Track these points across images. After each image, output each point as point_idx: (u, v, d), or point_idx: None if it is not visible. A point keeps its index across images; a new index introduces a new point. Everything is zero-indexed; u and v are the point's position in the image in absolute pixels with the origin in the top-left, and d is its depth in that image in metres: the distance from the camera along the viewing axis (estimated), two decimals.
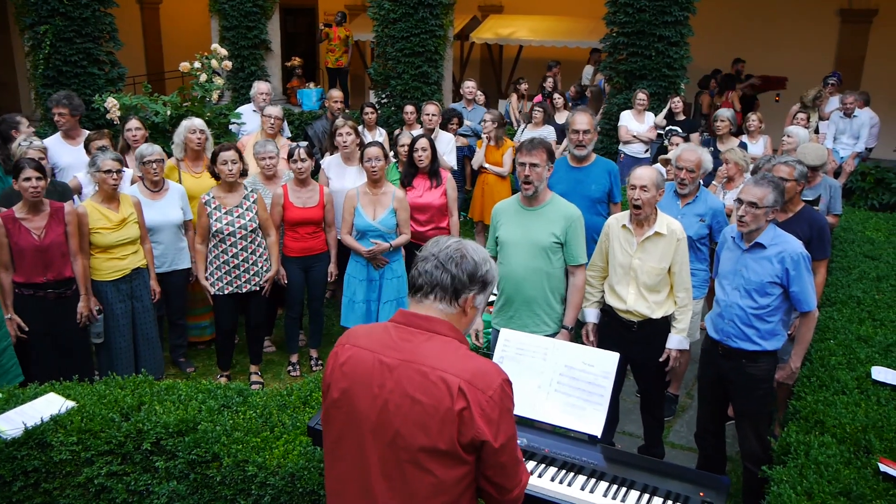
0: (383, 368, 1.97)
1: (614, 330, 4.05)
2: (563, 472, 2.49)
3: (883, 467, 2.98)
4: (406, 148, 5.92)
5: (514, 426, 2.00)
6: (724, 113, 7.10)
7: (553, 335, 3.96)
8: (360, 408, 2.00)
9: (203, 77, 6.45)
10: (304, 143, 5.46)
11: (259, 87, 7.11)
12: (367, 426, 1.99)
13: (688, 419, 4.97)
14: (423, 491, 1.94)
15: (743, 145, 7.04)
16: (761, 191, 3.55)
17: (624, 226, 3.97)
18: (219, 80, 6.63)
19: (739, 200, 3.60)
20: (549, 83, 10.98)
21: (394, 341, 2.00)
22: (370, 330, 2.10)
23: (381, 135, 7.54)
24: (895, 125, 9.01)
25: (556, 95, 9.61)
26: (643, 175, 3.84)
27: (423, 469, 1.92)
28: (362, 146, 5.55)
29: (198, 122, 5.74)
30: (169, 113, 6.21)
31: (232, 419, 3.45)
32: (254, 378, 5.46)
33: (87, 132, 6.06)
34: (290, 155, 5.39)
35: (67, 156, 5.95)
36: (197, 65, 6.48)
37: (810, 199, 5.30)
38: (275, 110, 6.20)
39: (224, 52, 6.60)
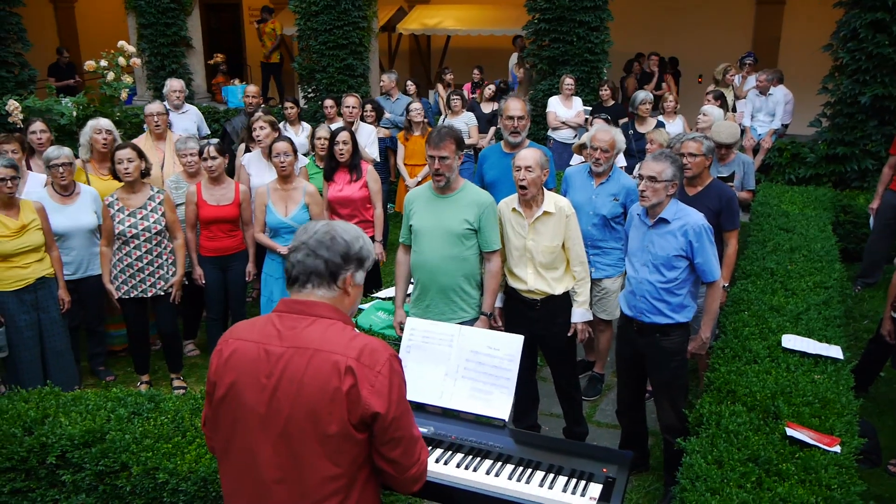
0: (269, 358, 1.96)
1: (519, 310, 4.11)
2: (470, 457, 2.48)
3: (790, 431, 3.06)
4: (322, 141, 5.83)
5: (407, 401, 2.00)
6: (641, 95, 7.21)
7: (472, 321, 3.97)
8: (249, 401, 1.98)
9: (110, 75, 6.20)
10: (215, 141, 5.33)
11: (172, 84, 6.88)
12: (257, 418, 1.97)
13: (613, 397, 5.02)
14: (318, 477, 1.93)
15: (661, 124, 7.16)
16: (660, 165, 3.61)
17: (514, 209, 4.01)
18: (127, 79, 6.40)
19: (640, 176, 3.66)
20: (476, 74, 11.01)
21: (278, 330, 1.99)
22: (253, 323, 2.08)
23: (305, 130, 7.40)
24: (810, 102, 9.27)
25: (490, 87, 9.57)
26: (527, 156, 3.87)
27: (316, 454, 1.92)
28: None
29: (104, 122, 5.55)
30: (75, 114, 5.96)
31: (142, 426, 3.35)
32: (176, 384, 5.32)
33: None
34: (201, 153, 5.25)
35: None
36: (103, 63, 6.24)
37: (725, 175, 5.42)
38: (155, 107, 6.02)
39: (131, 48, 6.37)
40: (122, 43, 6.33)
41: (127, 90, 6.44)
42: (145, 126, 6.88)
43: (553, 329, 4.09)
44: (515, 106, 4.77)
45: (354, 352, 1.92)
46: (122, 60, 6.33)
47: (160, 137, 6.08)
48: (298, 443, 1.92)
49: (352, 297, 2.07)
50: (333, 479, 1.93)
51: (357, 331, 2.05)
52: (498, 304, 4.16)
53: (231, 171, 6.20)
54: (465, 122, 8.18)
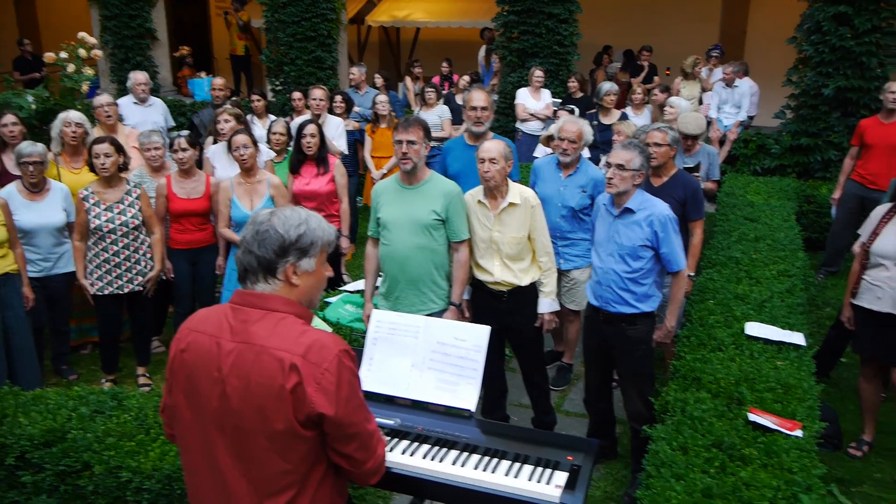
0: (221, 352, 1.94)
1: (486, 302, 4.11)
2: (436, 448, 2.47)
3: (752, 417, 3.11)
4: (278, 136, 5.77)
5: (360, 396, 1.98)
6: (606, 86, 7.25)
7: (441, 312, 3.97)
8: (203, 394, 1.97)
9: (71, 68, 6.08)
10: (185, 133, 5.26)
11: (136, 77, 6.77)
12: (211, 412, 1.96)
13: (582, 387, 5.03)
14: (270, 472, 1.93)
15: (624, 116, 7.20)
16: (628, 154, 3.64)
17: (479, 201, 4.01)
18: (89, 71, 6.27)
19: (608, 164, 3.68)
20: (445, 66, 10.99)
21: (230, 323, 1.97)
22: (209, 313, 2.05)
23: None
24: (775, 94, 9.40)
25: (465, 78, 9.54)
26: (491, 148, 3.88)
27: (265, 450, 1.91)
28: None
29: (73, 115, 5.45)
30: (35, 107, 5.83)
31: (105, 425, 3.29)
32: (142, 380, 5.25)
33: None
34: (171, 144, 5.18)
35: None
36: (63, 55, 6.11)
37: (691, 165, 5.47)
38: (104, 98, 5.96)
39: (92, 40, 6.24)
40: (82, 34, 6.20)
41: (88, 83, 6.31)
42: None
43: (520, 320, 4.10)
44: (479, 97, 4.77)
45: (301, 348, 1.88)
46: (82, 52, 6.20)
47: (111, 130, 5.97)
48: (249, 438, 1.91)
49: (302, 287, 2.01)
50: (284, 474, 1.93)
51: (313, 324, 2.03)
52: (465, 296, 4.16)
53: (199, 164, 6.13)
54: (438, 115, 8.18)
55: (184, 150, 5.09)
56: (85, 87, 6.34)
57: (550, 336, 5.44)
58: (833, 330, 5.02)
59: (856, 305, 4.27)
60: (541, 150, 6.54)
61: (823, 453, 4.23)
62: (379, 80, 9.37)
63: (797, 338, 3.82)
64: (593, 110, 7.51)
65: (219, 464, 1.97)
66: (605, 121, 7.08)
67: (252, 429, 1.90)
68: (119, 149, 4.86)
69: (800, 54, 8.48)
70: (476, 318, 4.08)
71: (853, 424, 4.60)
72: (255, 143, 5.12)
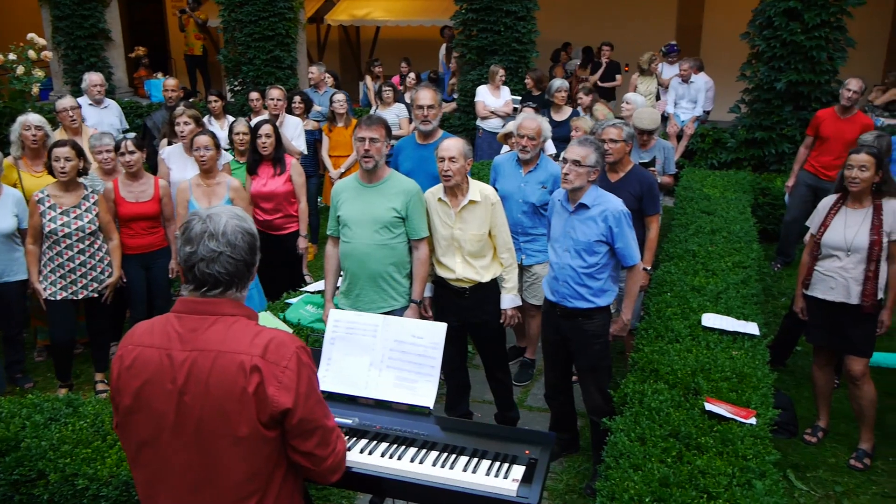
0: (173, 364, 1.89)
1: (449, 299, 4.13)
2: (395, 446, 2.48)
3: (708, 406, 3.16)
4: (241, 136, 5.72)
5: (318, 392, 1.98)
6: (556, 83, 7.31)
7: (402, 310, 3.97)
8: (158, 408, 1.91)
9: (20, 69, 5.94)
10: (132, 135, 5.17)
11: (91, 78, 6.64)
12: (168, 426, 1.91)
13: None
14: (234, 478, 1.90)
15: (576, 113, 7.27)
16: (584, 150, 3.67)
17: (440, 199, 4.02)
18: (39, 73, 6.13)
19: (564, 159, 3.71)
20: (404, 66, 10.97)
21: (178, 333, 1.92)
22: (151, 326, 1.99)
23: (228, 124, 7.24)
24: (731, 88, 9.57)
25: (410, 76, 9.59)
26: (450, 146, 3.88)
27: (230, 457, 1.88)
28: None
29: (33, 118, 5.33)
30: None
31: (60, 432, 3.23)
32: (100, 386, 5.15)
33: None
34: (118, 147, 5.10)
35: None
36: (12, 56, 5.96)
37: (646, 160, 5.55)
38: (68, 101, 5.88)
39: (42, 41, 6.10)
40: (31, 35, 6.05)
41: (38, 85, 6.16)
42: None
43: (483, 316, 4.13)
44: (425, 95, 4.78)
45: (259, 349, 1.87)
46: (32, 54, 6.06)
47: (76, 133, 5.86)
48: (211, 445, 1.89)
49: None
50: (249, 479, 1.91)
51: (273, 325, 2.02)
52: (427, 293, 4.17)
53: (153, 167, 6.04)
54: (395, 113, 8.17)
55: (131, 152, 4.99)
56: (35, 90, 6.20)
57: (513, 332, 5.48)
58: (787, 319, 5.13)
59: (808, 296, 4.36)
60: (507, 149, 6.57)
61: (780, 440, 4.33)
62: (329, 80, 9.30)
63: (752, 328, 3.89)
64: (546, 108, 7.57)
65: (176, 479, 1.93)
66: (557, 118, 7.16)
67: (215, 434, 1.87)
68: (80, 153, 4.77)
69: (752, 49, 8.64)
70: (438, 315, 4.09)
71: (808, 411, 4.71)
72: (217, 146, 5.06)
